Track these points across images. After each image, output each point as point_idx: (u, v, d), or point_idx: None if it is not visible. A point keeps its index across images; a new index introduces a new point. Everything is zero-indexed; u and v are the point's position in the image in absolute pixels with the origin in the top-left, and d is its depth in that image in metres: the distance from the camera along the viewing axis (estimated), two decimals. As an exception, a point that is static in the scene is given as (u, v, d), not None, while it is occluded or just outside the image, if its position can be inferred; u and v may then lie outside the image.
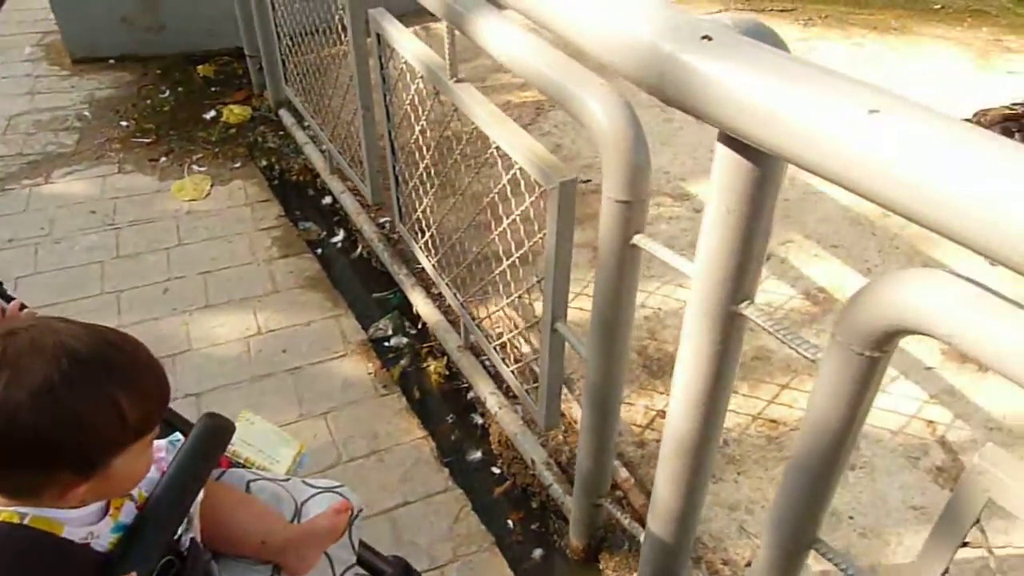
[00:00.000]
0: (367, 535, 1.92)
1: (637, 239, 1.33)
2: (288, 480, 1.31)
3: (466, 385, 2.40)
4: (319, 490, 1.30)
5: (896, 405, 2.18)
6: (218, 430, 1.14)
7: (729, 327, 1.20)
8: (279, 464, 1.39)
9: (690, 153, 3.38)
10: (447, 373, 2.47)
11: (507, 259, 1.88)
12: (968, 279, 0.88)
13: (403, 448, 2.18)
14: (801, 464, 1.16)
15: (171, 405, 2.44)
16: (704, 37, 0.82)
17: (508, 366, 2.08)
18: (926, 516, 1.92)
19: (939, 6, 5.17)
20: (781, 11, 4.92)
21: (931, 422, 2.15)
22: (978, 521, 1.01)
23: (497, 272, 1.96)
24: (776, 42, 0.93)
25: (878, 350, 0.99)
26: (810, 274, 2.64)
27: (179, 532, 1.03)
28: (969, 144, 0.66)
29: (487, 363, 2.37)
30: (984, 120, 2.51)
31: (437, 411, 2.36)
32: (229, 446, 1.39)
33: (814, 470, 1.16)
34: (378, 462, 2.14)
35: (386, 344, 2.58)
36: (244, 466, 1.36)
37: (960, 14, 5.06)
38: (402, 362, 2.51)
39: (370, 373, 2.43)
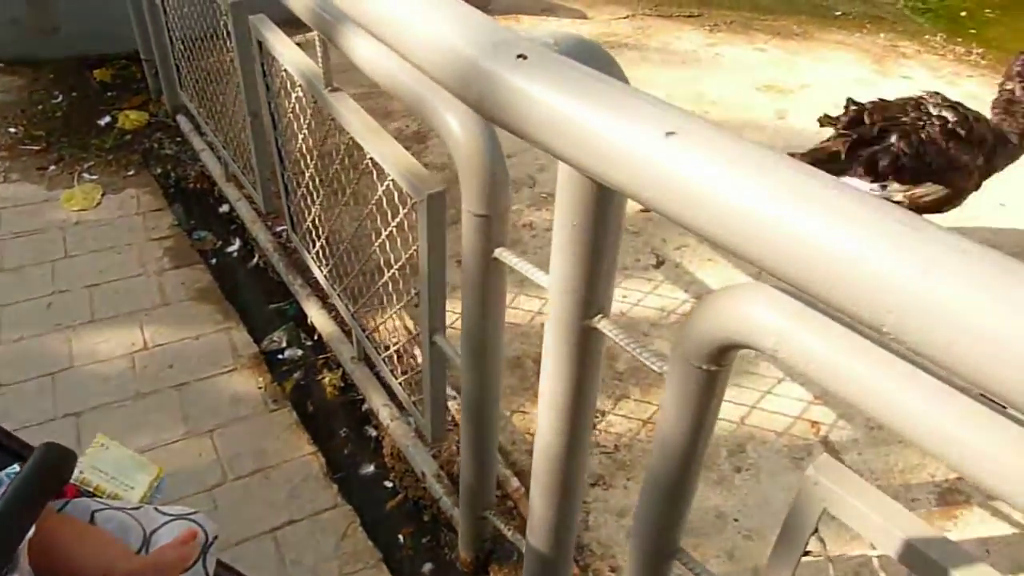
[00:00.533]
0: (249, 557, 1.88)
1: (498, 252, 1.31)
2: (140, 508, 1.26)
3: (361, 397, 2.37)
4: (171, 518, 1.25)
5: (781, 407, 2.22)
6: (53, 465, 1.08)
7: (585, 341, 1.20)
8: (133, 491, 1.34)
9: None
10: (342, 385, 2.43)
11: (388, 270, 1.85)
12: (792, 294, 0.89)
13: (291, 464, 2.14)
14: (655, 476, 1.17)
15: (51, 425, 2.32)
16: (520, 56, 0.81)
17: (397, 377, 2.05)
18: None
19: (839, 12, 5.32)
20: (688, 17, 4.99)
21: (815, 423, 2.20)
22: (816, 531, 1.02)
23: (380, 284, 1.93)
24: (599, 59, 0.93)
25: (715, 364, 1.00)
26: (703, 278, 2.68)
27: (1, 572, 0.98)
28: (758, 166, 0.66)
29: (381, 375, 2.34)
30: (873, 115, 2.58)
31: (330, 424, 2.32)
32: (78, 473, 1.34)
33: (668, 482, 1.16)
34: (264, 480, 2.09)
35: (280, 357, 2.53)
36: (94, 495, 1.30)
37: (859, 20, 5.22)
38: (296, 375, 2.46)
39: (260, 388, 2.37)
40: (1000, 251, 0.57)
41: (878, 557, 0.97)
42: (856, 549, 1.84)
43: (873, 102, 2.71)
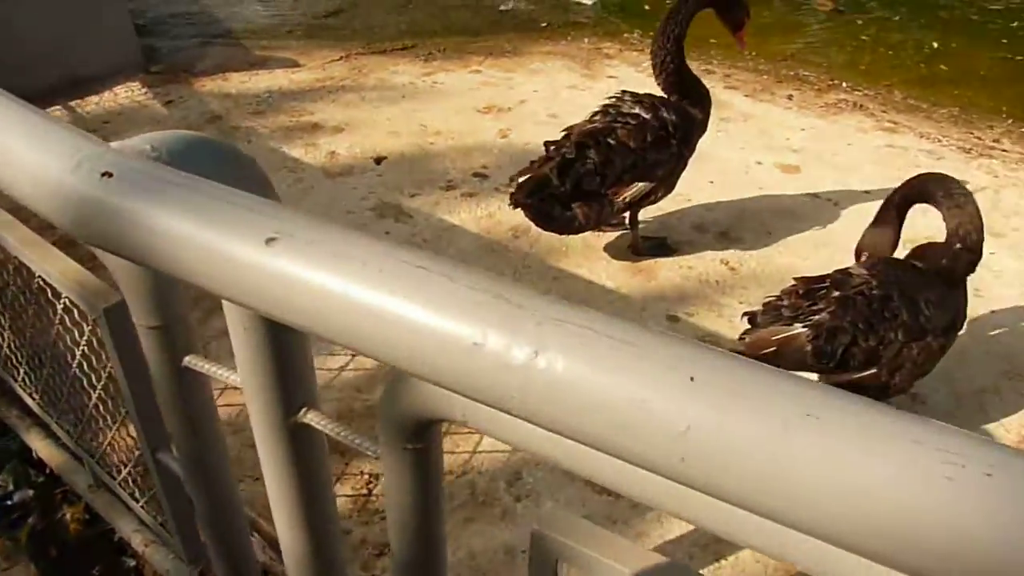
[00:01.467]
0: None
1: (188, 361, 1.20)
2: None
3: (110, 527, 2.12)
4: None
5: (549, 425, 2.24)
6: None
7: (297, 436, 1.11)
8: None
9: (327, 210, 3.30)
10: (86, 518, 2.17)
11: (95, 391, 1.67)
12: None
13: (36, 627, 1.88)
14: (401, 563, 1.11)
15: None
16: (105, 174, 0.72)
17: (139, 500, 1.86)
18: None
19: (544, 24, 5.57)
20: (402, 49, 5.02)
21: (583, 432, 2.23)
22: (558, 582, 1.01)
23: (92, 405, 1.73)
24: (214, 155, 0.85)
25: (420, 442, 0.95)
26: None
27: None
28: (363, 263, 0.61)
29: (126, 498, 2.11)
30: (572, 135, 2.68)
31: (80, 566, 2.06)
32: None
33: (416, 564, 1.11)
34: (4, 656, 1.82)
35: (9, 503, 2.22)
36: None
37: (563, 29, 5.48)
38: (31, 520, 2.17)
39: (-14, 547, 2.07)
40: (623, 319, 0.55)
41: (617, 594, 0.96)
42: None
43: (565, 130, 2.82)
